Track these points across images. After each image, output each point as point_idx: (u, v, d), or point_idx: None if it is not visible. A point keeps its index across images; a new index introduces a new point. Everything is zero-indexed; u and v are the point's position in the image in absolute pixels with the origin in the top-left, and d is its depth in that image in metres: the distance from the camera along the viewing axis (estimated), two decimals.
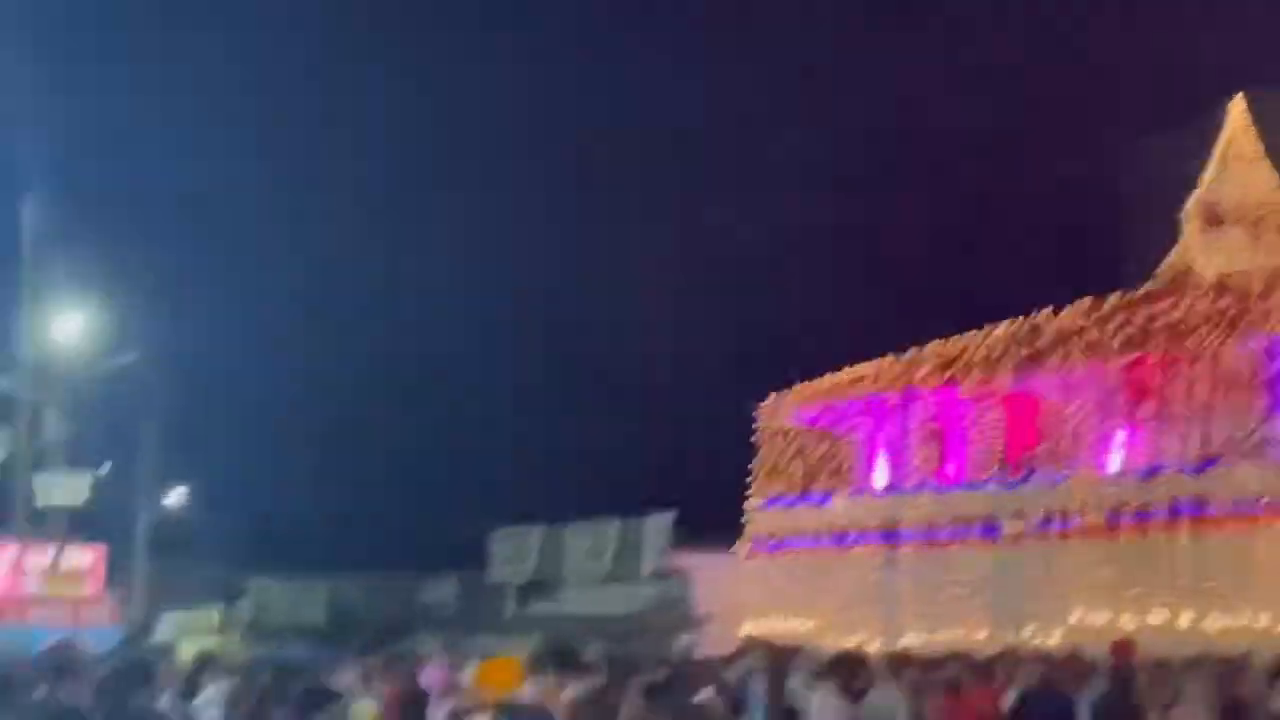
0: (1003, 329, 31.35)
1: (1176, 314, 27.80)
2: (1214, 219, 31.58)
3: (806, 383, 33.23)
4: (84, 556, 33.97)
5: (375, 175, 60.29)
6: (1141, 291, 30.78)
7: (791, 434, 33.20)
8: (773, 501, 32.80)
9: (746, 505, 33.28)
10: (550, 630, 31.18)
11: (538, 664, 12.78)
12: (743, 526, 33.31)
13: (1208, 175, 32.15)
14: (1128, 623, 24.26)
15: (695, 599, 33.02)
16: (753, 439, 33.60)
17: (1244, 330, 26.11)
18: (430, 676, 14.30)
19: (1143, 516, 26.06)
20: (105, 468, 39.30)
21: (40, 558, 32.38)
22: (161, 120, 53.60)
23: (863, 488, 32.06)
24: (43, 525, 33.49)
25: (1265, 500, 24.53)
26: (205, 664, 14.34)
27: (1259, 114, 32.22)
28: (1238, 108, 32.17)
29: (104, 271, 35.85)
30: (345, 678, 12.01)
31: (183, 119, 55.36)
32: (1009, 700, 13.15)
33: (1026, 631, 25.61)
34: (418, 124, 59.75)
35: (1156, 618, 24.82)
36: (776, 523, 32.43)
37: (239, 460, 50.22)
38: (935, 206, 53.49)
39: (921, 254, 53.20)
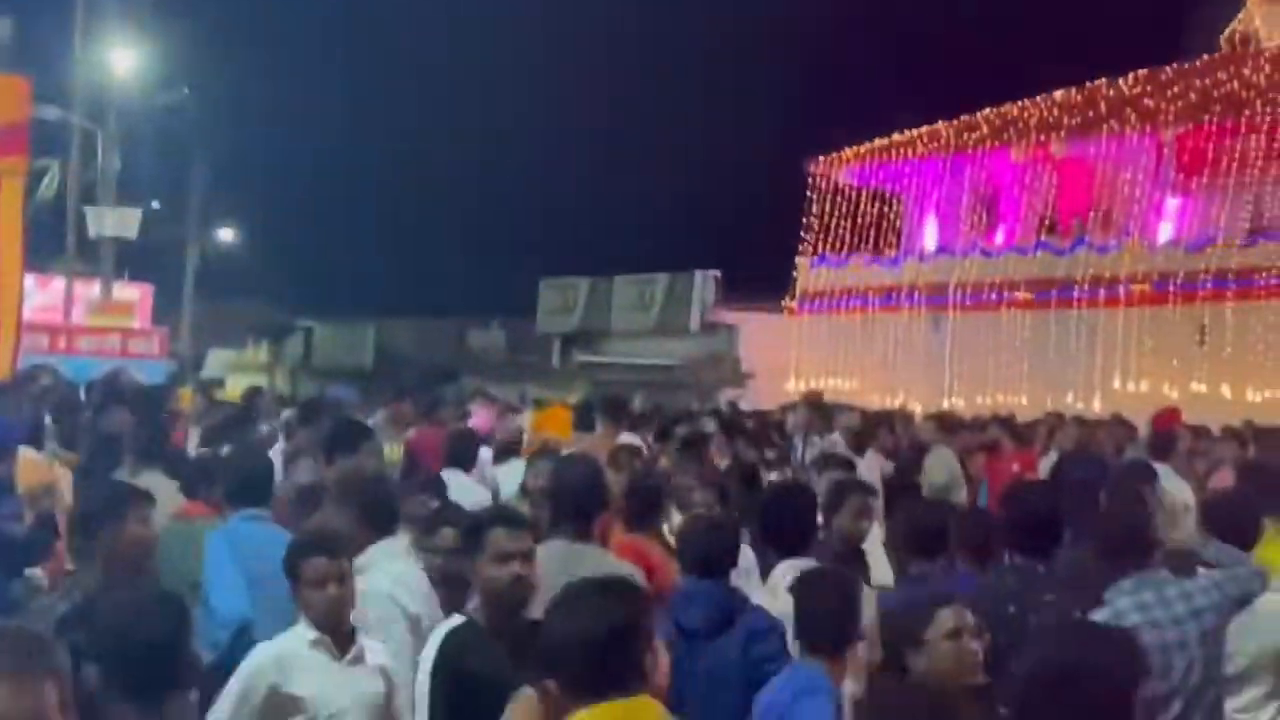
0: (1058, 95, 30.96)
1: (1234, 85, 27.36)
2: None
3: (860, 143, 32.98)
4: (132, 291, 34.47)
5: None
6: (1200, 60, 30.26)
7: (843, 193, 33.00)
8: (821, 260, 32.76)
9: (795, 263, 33.26)
10: (595, 379, 31.58)
11: (586, 413, 13.04)
12: (790, 285, 33.36)
13: None
14: (1169, 391, 24.40)
15: (741, 355, 33.18)
16: (803, 199, 33.43)
17: None
18: (479, 419, 14.60)
19: (1189, 287, 26.03)
20: (154, 204, 39.59)
21: (90, 289, 32.83)
22: None
23: (912, 249, 31.99)
24: (93, 259, 33.79)
25: None
26: (254, 398, 14.68)
27: None
28: None
29: (157, 5, 35.48)
30: (376, 418, 12.25)
31: None
32: (1048, 463, 13.28)
33: (1068, 397, 25.77)
34: None
35: (1198, 387, 24.97)
36: (824, 281, 32.45)
37: (289, 202, 50.50)
38: None
39: (980, 17, 52.33)
